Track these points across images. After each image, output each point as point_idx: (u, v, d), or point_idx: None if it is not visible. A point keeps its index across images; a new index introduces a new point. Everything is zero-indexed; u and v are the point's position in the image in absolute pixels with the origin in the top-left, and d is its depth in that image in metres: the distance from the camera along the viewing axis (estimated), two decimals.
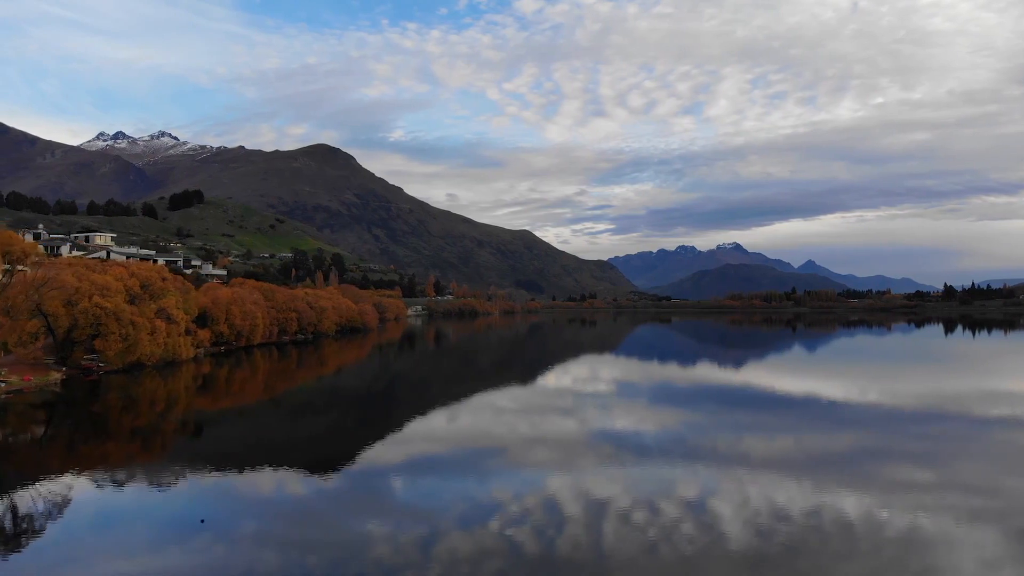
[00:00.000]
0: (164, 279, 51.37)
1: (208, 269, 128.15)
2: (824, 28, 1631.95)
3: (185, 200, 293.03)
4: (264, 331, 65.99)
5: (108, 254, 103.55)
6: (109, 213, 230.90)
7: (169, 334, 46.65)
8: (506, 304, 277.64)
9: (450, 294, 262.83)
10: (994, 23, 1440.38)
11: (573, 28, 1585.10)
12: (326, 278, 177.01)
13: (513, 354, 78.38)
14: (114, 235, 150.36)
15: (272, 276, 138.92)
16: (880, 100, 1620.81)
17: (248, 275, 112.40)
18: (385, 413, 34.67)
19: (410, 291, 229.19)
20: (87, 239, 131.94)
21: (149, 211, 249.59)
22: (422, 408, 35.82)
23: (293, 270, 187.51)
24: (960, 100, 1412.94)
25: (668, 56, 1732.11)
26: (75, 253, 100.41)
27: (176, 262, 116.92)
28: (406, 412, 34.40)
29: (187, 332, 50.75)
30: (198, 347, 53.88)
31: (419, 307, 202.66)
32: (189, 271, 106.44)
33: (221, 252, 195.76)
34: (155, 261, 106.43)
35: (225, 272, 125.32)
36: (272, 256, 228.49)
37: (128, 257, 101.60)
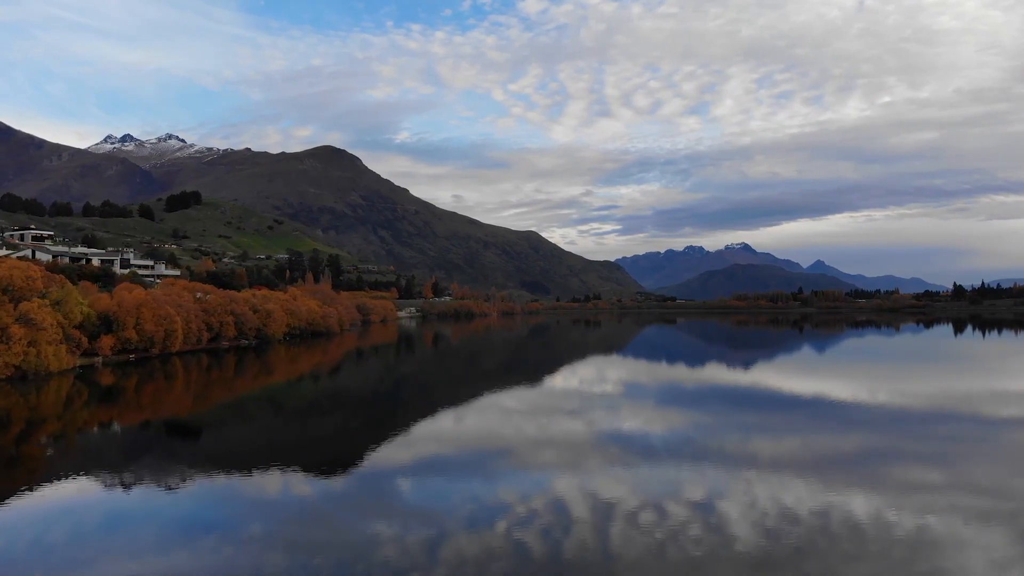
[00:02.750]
0: (32, 278, 45.67)
1: (160, 270, 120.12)
2: (830, 27, 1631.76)
3: (182, 201, 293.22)
4: (191, 336, 60.37)
5: (33, 253, 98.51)
6: (105, 215, 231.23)
7: (33, 342, 40.87)
8: (505, 305, 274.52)
9: (449, 295, 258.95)
10: (1001, 21, 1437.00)
11: (578, 28, 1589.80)
12: (316, 279, 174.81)
13: (516, 356, 76.03)
14: (51, 233, 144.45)
15: (266, 278, 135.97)
16: (887, 99, 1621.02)
17: (212, 276, 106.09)
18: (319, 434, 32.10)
19: (408, 292, 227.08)
20: (22, 237, 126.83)
21: (146, 213, 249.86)
22: (402, 412, 33.48)
23: (287, 271, 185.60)
24: (967, 99, 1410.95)
25: (673, 56, 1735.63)
26: (2, 252, 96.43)
27: (112, 261, 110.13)
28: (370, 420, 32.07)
29: (67, 339, 45.36)
30: (94, 355, 48.83)
31: (413, 309, 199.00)
32: (127, 270, 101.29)
33: (216, 253, 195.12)
34: (88, 260, 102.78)
35: (178, 273, 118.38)
36: (268, 257, 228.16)
37: (55, 256, 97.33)
